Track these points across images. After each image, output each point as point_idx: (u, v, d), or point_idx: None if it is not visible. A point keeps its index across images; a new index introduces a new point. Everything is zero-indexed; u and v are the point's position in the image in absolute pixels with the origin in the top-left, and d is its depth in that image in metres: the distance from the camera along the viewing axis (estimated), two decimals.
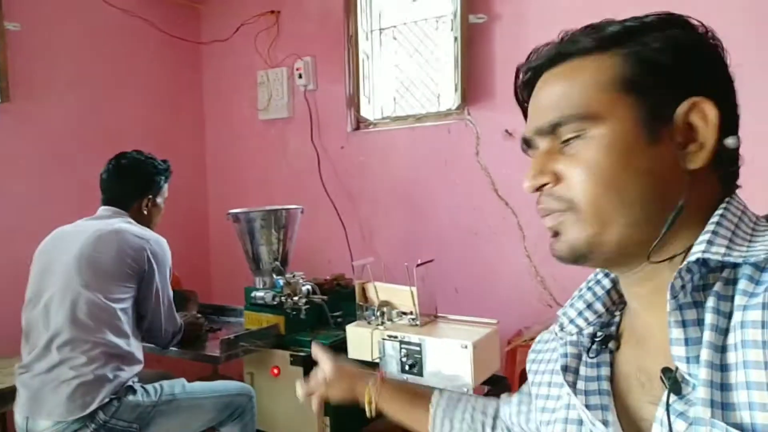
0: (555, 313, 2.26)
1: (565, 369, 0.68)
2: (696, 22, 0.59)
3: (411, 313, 1.83)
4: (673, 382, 0.54)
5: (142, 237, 1.83)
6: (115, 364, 1.71)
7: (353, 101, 2.98)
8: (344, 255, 2.93)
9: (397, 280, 1.93)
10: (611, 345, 0.67)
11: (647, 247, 0.57)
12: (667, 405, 0.53)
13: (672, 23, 0.59)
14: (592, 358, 0.68)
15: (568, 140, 0.60)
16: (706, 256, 0.52)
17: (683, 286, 0.53)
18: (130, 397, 1.72)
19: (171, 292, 1.94)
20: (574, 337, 0.71)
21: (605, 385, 0.65)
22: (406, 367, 1.71)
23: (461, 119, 2.62)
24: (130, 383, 1.74)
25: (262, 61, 3.23)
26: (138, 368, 1.80)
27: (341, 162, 3.02)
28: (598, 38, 0.60)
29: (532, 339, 2.16)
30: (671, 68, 0.57)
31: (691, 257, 0.53)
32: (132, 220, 1.92)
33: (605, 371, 0.66)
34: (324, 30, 3.02)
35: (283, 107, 3.17)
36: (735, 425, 0.48)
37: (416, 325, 1.79)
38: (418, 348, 1.69)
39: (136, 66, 3.17)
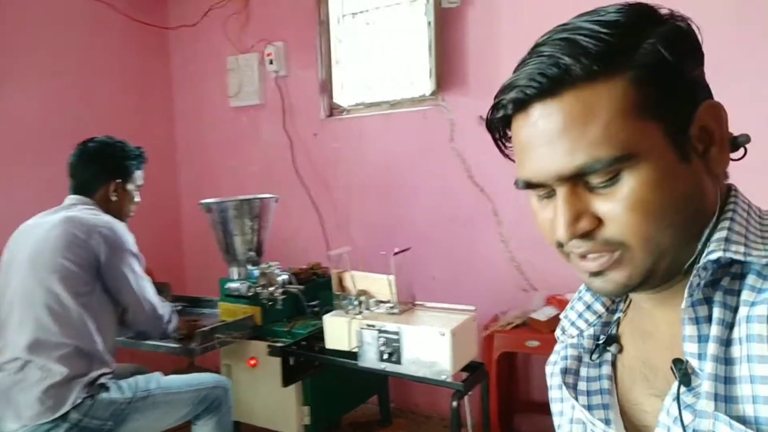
0: (531, 298, 2.26)
1: (565, 371, 0.69)
2: (661, 8, 0.56)
3: (389, 301, 1.82)
4: (684, 374, 0.54)
5: (92, 223, 1.72)
6: (84, 364, 1.66)
7: (326, 87, 2.94)
8: (320, 243, 2.91)
9: (373, 268, 1.92)
10: (613, 348, 0.67)
11: (688, 260, 0.56)
12: (678, 396, 0.53)
13: (644, 17, 0.54)
14: (594, 360, 0.68)
15: (602, 180, 0.54)
16: (729, 255, 0.51)
17: (698, 284, 0.53)
18: (104, 395, 1.68)
19: (144, 276, 1.83)
20: (575, 340, 0.72)
21: (606, 384, 0.66)
22: (385, 356, 1.71)
23: (436, 105, 2.60)
24: (102, 380, 1.69)
25: (231, 46, 3.15)
26: (109, 366, 1.74)
27: (315, 149, 2.98)
28: (592, 62, 0.52)
29: (509, 324, 2.18)
30: (675, 79, 0.54)
31: (711, 256, 0.52)
32: (96, 209, 1.82)
33: (606, 370, 0.67)
34: (295, 14, 2.96)
35: (254, 94, 3.11)
36: (738, 418, 0.49)
37: (394, 313, 1.78)
38: (396, 336, 1.68)
39: (102, 53, 3.08)
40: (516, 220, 2.42)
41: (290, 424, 2.13)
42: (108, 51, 3.11)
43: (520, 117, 0.58)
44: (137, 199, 1.98)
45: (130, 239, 1.80)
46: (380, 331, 1.71)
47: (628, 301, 0.69)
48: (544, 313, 2.09)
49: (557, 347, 0.75)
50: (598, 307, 0.71)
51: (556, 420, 0.72)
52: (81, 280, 1.68)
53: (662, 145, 0.53)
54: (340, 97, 2.92)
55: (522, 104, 0.57)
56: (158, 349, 2.08)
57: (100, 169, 1.86)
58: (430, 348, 1.63)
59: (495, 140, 0.64)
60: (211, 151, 3.38)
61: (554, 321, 2.06)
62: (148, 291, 1.83)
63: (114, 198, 1.88)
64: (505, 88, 0.58)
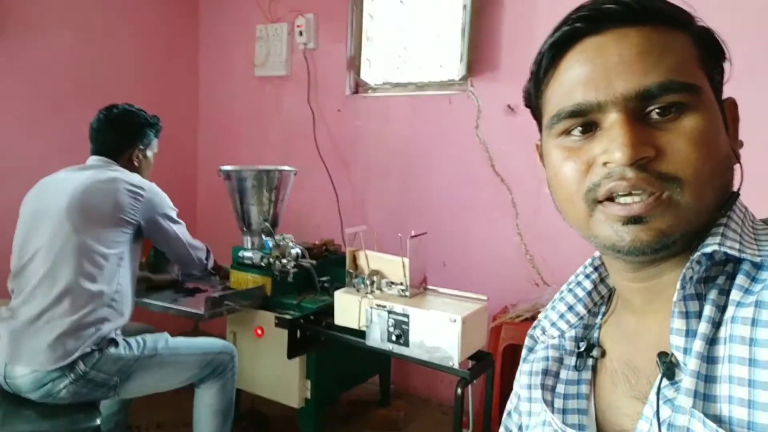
0: (542, 292, 2.25)
1: (545, 372, 0.68)
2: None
3: (401, 283, 1.81)
4: (667, 367, 0.54)
5: (137, 185, 1.82)
6: (101, 312, 1.69)
7: (354, 63, 2.91)
8: (334, 220, 2.90)
9: (386, 249, 1.91)
10: (595, 353, 0.66)
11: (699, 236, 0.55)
12: (659, 389, 0.53)
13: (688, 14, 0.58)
14: (577, 365, 0.67)
15: (665, 111, 0.53)
16: (723, 249, 0.51)
17: (691, 278, 0.53)
18: (112, 350, 1.70)
19: (182, 225, 2.00)
20: (556, 341, 0.71)
21: (584, 389, 0.65)
22: (393, 337, 1.70)
23: (463, 91, 2.57)
24: (112, 335, 1.72)
25: (261, 15, 3.12)
26: (123, 320, 1.78)
27: (337, 126, 2.96)
28: (674, 11, 0.56)
29: (518, 316, 2.17)
30: (718, 56, 0.58)
31: (706, 248, 0.52)
32: (124, 169, 1.90)
33: (586, 375, 0.66)
34: None
35: (280, 64, 3.09)
36: (714, 417, 0.49)
37: (406, 296, 1.78)
38: (406, 319, 1.68)
39: (130, 9, 3.06)
40: (534, 212, 2.40)
41: (291, 396, 2.14)
42: (136, 8, 3.09)
43: (588, 40, 0.56)
44: (152, 165, 2.08)
45: (165, 197, 1.95)
46: (390, 312, 1.71)
47: (611, 306, 0.69)
48: None
49: (537, 347, 0.74)
50: (580, 309, 0.70)
51: (525, 419, 0.71)
52: (120, 232, 1.77)
53: (714, 103, 0.56)
54: (367, 75, 2.89)
55: (598, 22, 0.55)
56: (167, 310, 2.09)
57: (125, 135, 1.95)
58: (439, 333, 1.63)
59: (536, 72, 0.61)
60: (232, 118, 3.37)
61: None
62: (184, 239, 2.02)
63: (136, 164, 1.96)
64: (579, 8, 0.57)
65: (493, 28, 2.46)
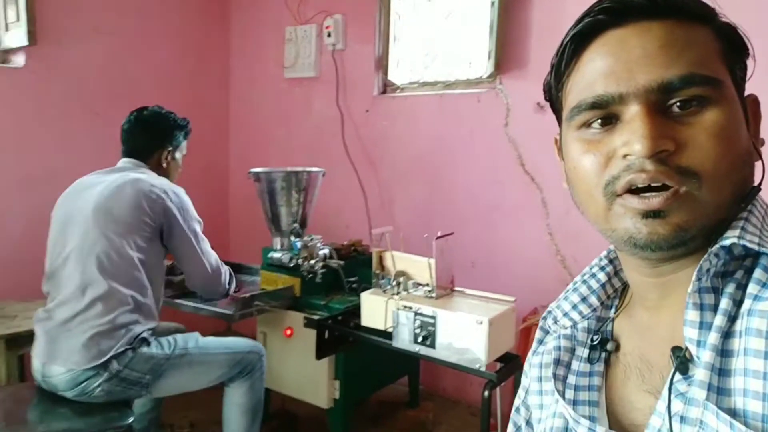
0: None
1: (557, 362, 0.67)
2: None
3: (427, 284, 1.80)
4: (681, 361, 0.53)
5: (160, 188, 1.83)
6: (131, 316, 1.73)
7: (381, 63, 2.90)
8: (362, 221, 2.91)
9: (413, 249, 1.90)
10: (609, 346, 0.65)
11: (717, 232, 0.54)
12: (671, 383, 0.53)
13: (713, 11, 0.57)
14: (591, 357, 0.66)
15: (687, 104, 0.53)
16: (743, 243, 0.51)
17: (708, 270, 0.52)
18: (144, 349, 1.74)
19: (205, 240, 1.94)
20: (568, 331, 0.70)
21: (596, 381, 0.64)
22: (419, 339, 1.69)
23: (492, 88, 2.53)
24: (144, 335, 1.75)
25: (291, 16, 3.15)
26: (153, 322, 1.81)
27: (365, 126, 2.96)
28: (697, 5, 0.56)
29: None
30: (741, 51, 0.57)
31: (725, 241, 0.52)
32: (151, 172, 1.92)
33: (599, 367, 0.65)
34: None
35: (309, 66, 3.11)
36: (728, 410, 0.48)
37: (432, 297, 1.77)
38: (432, 320, 1.67)
39: (163, 15, 3.12)
40: (565, 212, 2.35)
41: (320, 397, 2.15)
42: (169, 13, 3.15)
43: (611, 33, 0.56)
44: (181, 167, 2.09)
45: (189, 203, 1.92)
46: (417, 314, 1.70)
47: (625, 300, 0.68)
48: None
49: (547, 338, 0.73)
50: (594, 301, 0.69)
51: (535, 413, 0.71)
52: (143, 236, 1.78)
53: (736, 98, 0.55)
54: (395, 75, 2.88)
55: (621, 15, 0.55)
56: (199, 311, 2.13)
57: (154, 137, 1.97)
58: (466, 335, 1.61)
59: (558, 64, 0.61)
60: (262, 120, 3.41)
61: None
62: (208, 254, 1.94)
63: (165, 165, 1.99)
64: (602, 0, 0.56)
65: (521, 25, 2.43)
